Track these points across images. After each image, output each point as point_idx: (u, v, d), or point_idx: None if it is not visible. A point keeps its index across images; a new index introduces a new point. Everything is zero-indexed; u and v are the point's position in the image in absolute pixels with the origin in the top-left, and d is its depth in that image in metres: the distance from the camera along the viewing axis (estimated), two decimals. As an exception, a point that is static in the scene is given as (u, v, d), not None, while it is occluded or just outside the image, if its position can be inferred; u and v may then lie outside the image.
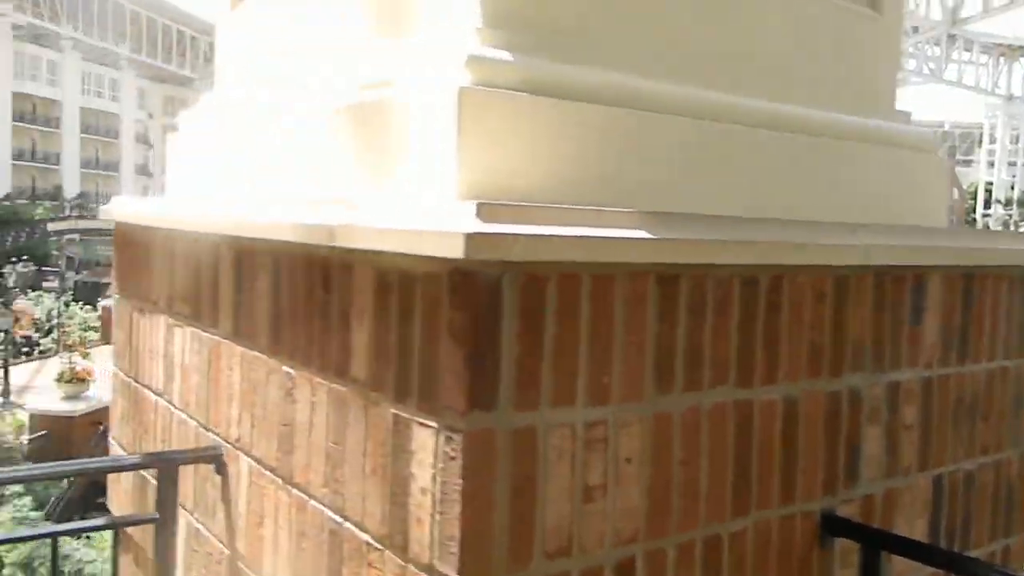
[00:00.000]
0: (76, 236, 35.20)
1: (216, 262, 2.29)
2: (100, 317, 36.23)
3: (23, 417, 18.56)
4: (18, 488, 11.14)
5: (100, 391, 20.45)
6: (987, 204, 69.41)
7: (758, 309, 1.63)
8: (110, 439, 3.47)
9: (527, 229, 1.27)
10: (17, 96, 64.34)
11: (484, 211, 1.25)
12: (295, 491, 1.80)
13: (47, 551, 8.51)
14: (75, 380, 18.69)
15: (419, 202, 1.54)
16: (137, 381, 3.16)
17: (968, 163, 78.86)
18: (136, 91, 76.09)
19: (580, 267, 1.37)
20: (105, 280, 54.40)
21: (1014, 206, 68.40)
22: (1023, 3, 50.67)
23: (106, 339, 34.20)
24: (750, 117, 1.93)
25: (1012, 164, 70.01)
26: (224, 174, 2.74)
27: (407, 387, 1.42)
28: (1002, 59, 67.93)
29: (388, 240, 1.41)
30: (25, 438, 18.02)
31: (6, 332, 23.02)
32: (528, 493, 1.34)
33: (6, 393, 23.07)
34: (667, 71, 1.83)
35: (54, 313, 35.10)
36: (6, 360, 23.20)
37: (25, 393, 24.21)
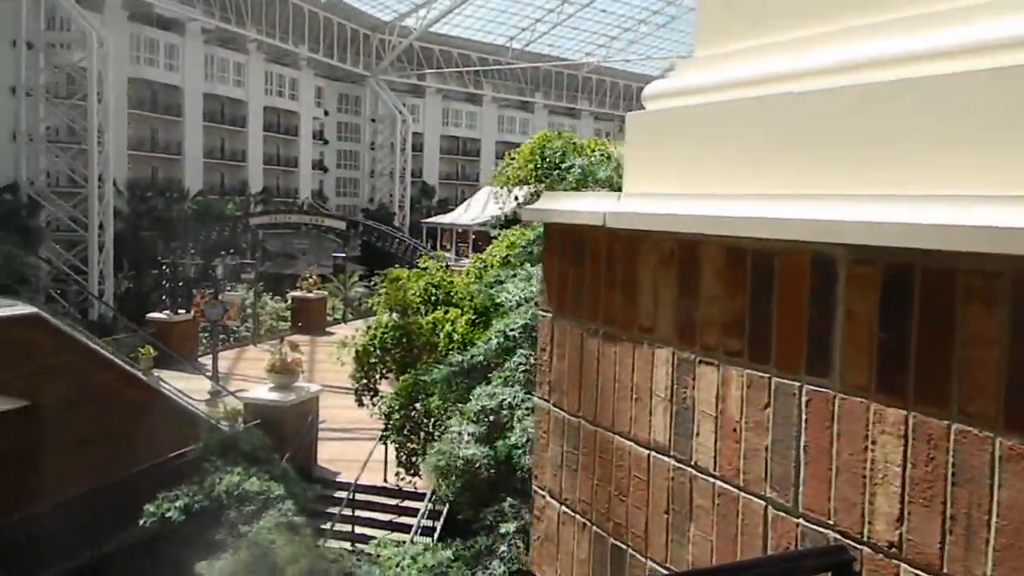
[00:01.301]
0: (274, 231, 36.70)
1: (824, 283, 1.65)
2: (290, 308, 37.73)
3: (238, 405, 19.12)
4: (280, 491, 11.23)
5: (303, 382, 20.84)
6: None
7: None
8: (533, 488, 2.90)
9: None
10: (208, 97, 68.21)
11: None
12: None
13: (327, 565, 8.49)
14: (285, 371, 19.10)
15: None
16: (595, 424, 2.57)
17: None
18: (313, 89, 79.18)
19: None
20: (287, 271, 56.91)
21: None
22: None
23: (296, 328, 35.62)
24: None
25: None
26: (770, 165, 2.08)
27: None
28: None
29: None
30: (240, 426, 18.56)
31: (215, 322, 23.99)
32: None
33: (215, 379, 24.10)
34: None
35: (247, 303, 36.70)
36: (215, 349, 24.18)
37: (228, 381, 25.27)
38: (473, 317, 13.50)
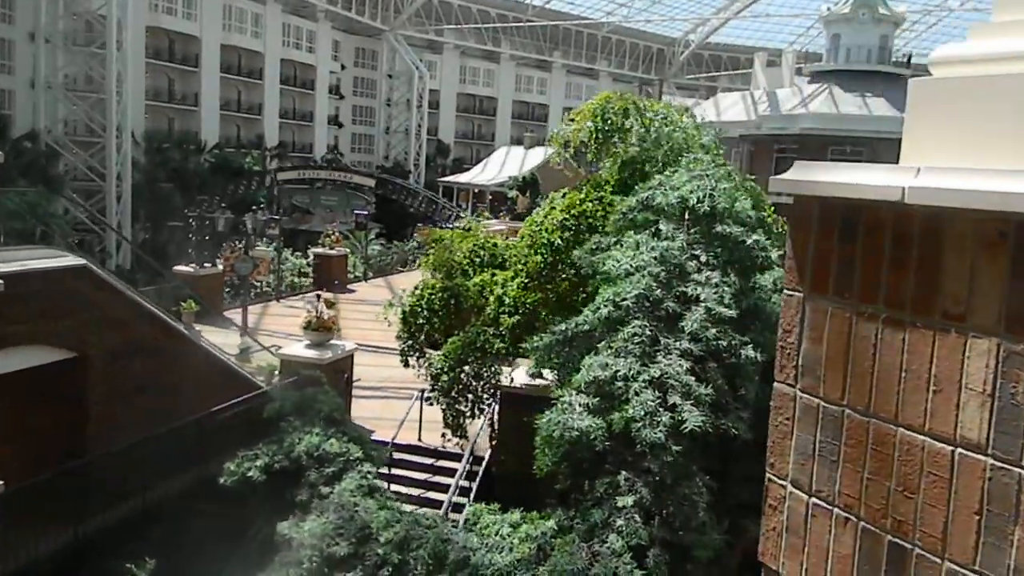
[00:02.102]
0: (301, 186, 36.39)
1: None
2: (312, 264, 37.57)
3: (274, 361, 19.04)
4: (359, 453, 11.16)
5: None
6: None
7: None
8: (768, 476, 2.73)
9: None
10: (225, 48, 67.48)
11: None
12: None
13: (423, 532, 8.41)
14: (321, 328, 18.98)
15: None
16: (869, 415, 2.40)
17: None
18: (330, 43, 78.28)
19: None
20: (302, 227, 56.67)
21: None
22: None
23: (318, 285, 35.52)
24: None
25: None
26: None
27: None
28: None
29: None
30: (277, 382, 18.52)
31: (244, 277, 23.86)
32: None
33: (244, 333, 24.06)
34: None
35: (270, 258, 36.55)
36: (245, 304, 24.10)
37: (256, 337, 25.16)
38: (525, 280, 13.33)
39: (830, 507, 2.54)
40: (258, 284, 33.45)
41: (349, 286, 36.84)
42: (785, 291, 2.66)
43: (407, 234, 59.86)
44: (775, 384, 2.69)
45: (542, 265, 13.09)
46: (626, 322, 6.76)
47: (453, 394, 13.87)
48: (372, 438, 18.98)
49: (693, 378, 6.29)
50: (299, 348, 19.31)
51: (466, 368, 13.72)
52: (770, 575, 2.74)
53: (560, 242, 12.68)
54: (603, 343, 6.92)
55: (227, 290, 30.39)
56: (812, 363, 2.58)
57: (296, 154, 71.05)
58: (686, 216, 7.27)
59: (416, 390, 18.18)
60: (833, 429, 2.51)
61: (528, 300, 13.28)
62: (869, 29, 62.75)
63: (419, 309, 14.65)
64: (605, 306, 6.94)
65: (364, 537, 7.51)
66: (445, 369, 13.72)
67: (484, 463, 16.07)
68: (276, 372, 19.33)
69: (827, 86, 62.41)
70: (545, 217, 13.09)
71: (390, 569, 7.22)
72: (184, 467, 14.50)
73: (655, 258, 6.87)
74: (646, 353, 6.53)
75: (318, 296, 19.32)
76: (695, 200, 7.09)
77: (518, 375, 13.89)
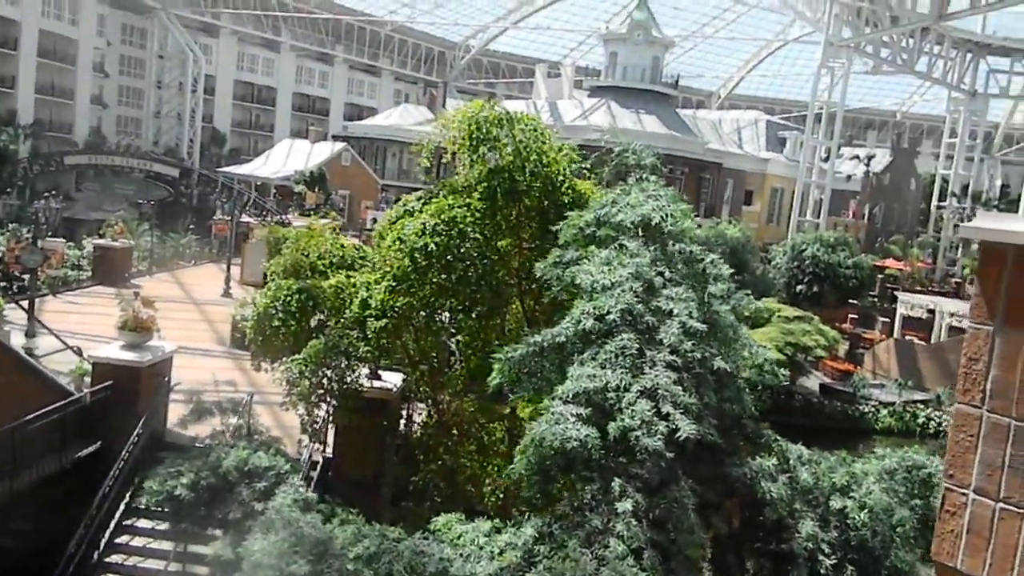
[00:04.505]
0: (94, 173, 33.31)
1: None
2: (92, 256, 34.55)
3: (85, 365, 17.51)
4: (288, 466, 10.40)
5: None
6: (942, 196, 71.46)
7: None
8: (947, 485, 3.11)
9: None
10: (-30, 12, 60.33)
11: None
12: None
13: (392, 545, 8.05)
14: (139, 328, 17.70)
15: None
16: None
17: (916, 154, 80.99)
18: (95, 16, 72.09)
19: None
20: (80, 216, 51.73)
21: (968, 199, 70.61)
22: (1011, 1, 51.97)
23: (100, 280, 32.78)
24: None
25: (969, 159, 72.06)
26: None
27: None
28: (969, 55, 69.73)
29: None
30: (87, 389, 17.06)
31: (32, 271, 21.64)
32: None
33: (31, 335, 21.92)
34: None
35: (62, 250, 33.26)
36: (32, 300, 21.87)
37: (38, 335, 22.82)
38: (393, 284, 13.24)
39: (1021, 511, 2.97)
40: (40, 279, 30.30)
41: (134, 281, 34.36)
42: (971, 324, 3.06)
43: (179, 227, 56.43)
44: (957, 405, 3.09)
45: (410, 269, 13.09)
46: (612, 335, 7.04)
47: (313, 399, 13.50)
48: (196, 444, 17.97)
49: (680, 388, 6.71)
50: (113, 350, 17.85)
51: (328, 372, 13.42)
52: (945, 570, 3.14)
53: (433, 246, 12.75)
54: (587, 355, 7.16)
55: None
56: (1002, 387, 3.00)
57: (54, 134, 64.80)
58: (640, 233, 7.69)
59: (238, 393, 17.43)
60: (1025, 444, 2.95)
61: (397, 303, 13.22)
62: (643, 50, 67.16)
63: (273, 311, 14.11)
64: (585, 319, 7.18)
65: (320, 554, 7.20)
66: (305, 373, 13.33)
67: (319, 468, 15.76)
68: (86, 377, 17.78)
69: (605, 100, 66.20)
70: (398, 222, 13.13)
71: None
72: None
73: (631, 274, 7.23)
74: (635, 365, 6.86)
75: (136, 294, 17.99)
76: (657, 219, 7.53)
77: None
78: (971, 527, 3.11)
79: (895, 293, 53.53)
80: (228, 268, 34.69)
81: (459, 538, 7.33)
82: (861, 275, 48.86)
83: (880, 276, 55.91)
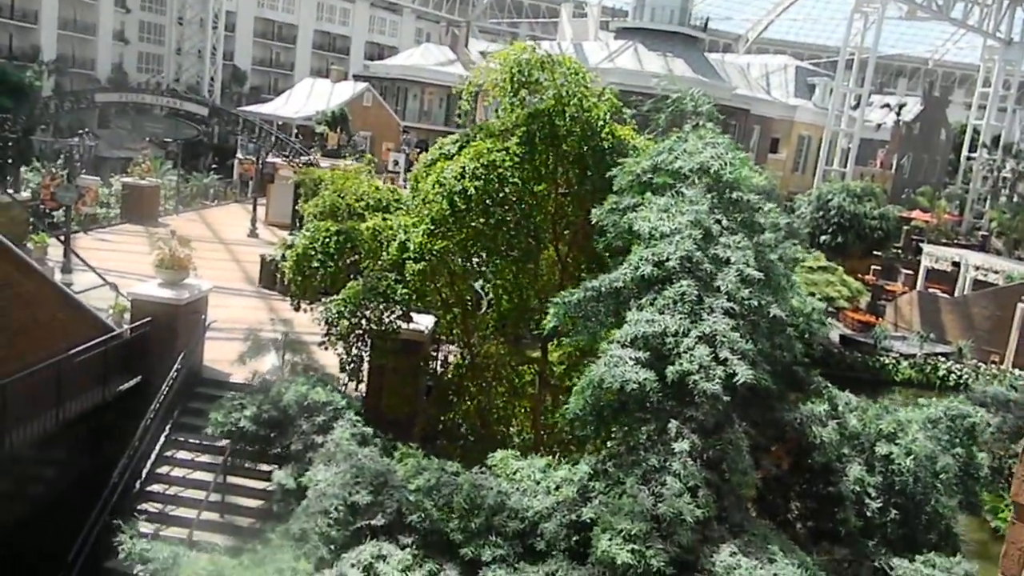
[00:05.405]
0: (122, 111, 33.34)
1: None
2: (120, 194, 34.75)
3: (124, 302, 17.79)
4: (343, 401, 10.65)
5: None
6: (972, 147, 70.36)
7: None
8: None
9: None
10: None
11: None
12: None
13: (451, 479, 8.28)
14: (176, 267, 17.95)
15: None
16: None
17: (947, 103, 79.49)
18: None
19: None
20: (104, 154, 51.87)
21: (999, 151, 69.50)
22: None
23: (129, 218, 33.03)
24: None
25: (1002, 110, 70.74)
26: None
27: None
28: (1006, 3, 68.02)
29: None
30: (127, 325, 17.37)
31: (68, 207, 21.85)
32: None
33: (67, 270, 22.25)
34: None
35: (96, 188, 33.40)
36: (68, 236, 22.13)
37: (72, 271, 23.13)
38: (431, 227, 13.31)
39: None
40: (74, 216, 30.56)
41: (161, 219, 34.60)
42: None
43: (199, 165, 56.47)
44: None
45: (449, 212, 13.16)
46: (670, 281, 7.14)
47: (352, 339, 13.71)
48: (232, 380, 18.32)
49: (737, 335, 6.83)
50: (152, 288, 18.11)
51: (367, 314, 13.60)
52: (1023, 511, 3.28)
53: (472, 190, 12.80)
54: (645, 300, 7.27)
55: (31, 220, 27.57)
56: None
57: (76, 70, 64.69)
58: (698, 181, 7.72)
59: (269, 332, 17.71)
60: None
61: (435, 247, 13.32)
62: (672, -11, 65.76)
63: (313, 252, 14.25)
64: (644, 265, 7.27)
65: (380, 485, 7.44)
66: (344, 314, 13.52)
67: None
68: (125, 313, 18.08)
69: (632, 43, 65.07)
70: (435, 165, 13.17)
71: (421, 515, 7.24)
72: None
73: (691, 221, 7.29)
74: (693, 311, 6.97)
75: (172, 233, 18.15)
76: (716, 167, 7.57)
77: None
78: (1056, 473, 3.23)
79: (920, 245, 53.12)
80: (254, 209, 34.85)
81: (515, 473, 7.56)
82: (887, 226, 48.50)
83: (906, 228, 55.42)
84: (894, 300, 46.75)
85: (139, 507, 14.57)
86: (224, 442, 13.61)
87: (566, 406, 7.58)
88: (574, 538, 7.20)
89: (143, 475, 15.09)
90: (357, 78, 72.75)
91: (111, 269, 23.69)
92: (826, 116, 63.32)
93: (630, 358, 6.92)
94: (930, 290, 46.93)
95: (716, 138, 8.42)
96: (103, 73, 68.13)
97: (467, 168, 13.03)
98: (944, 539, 8.56)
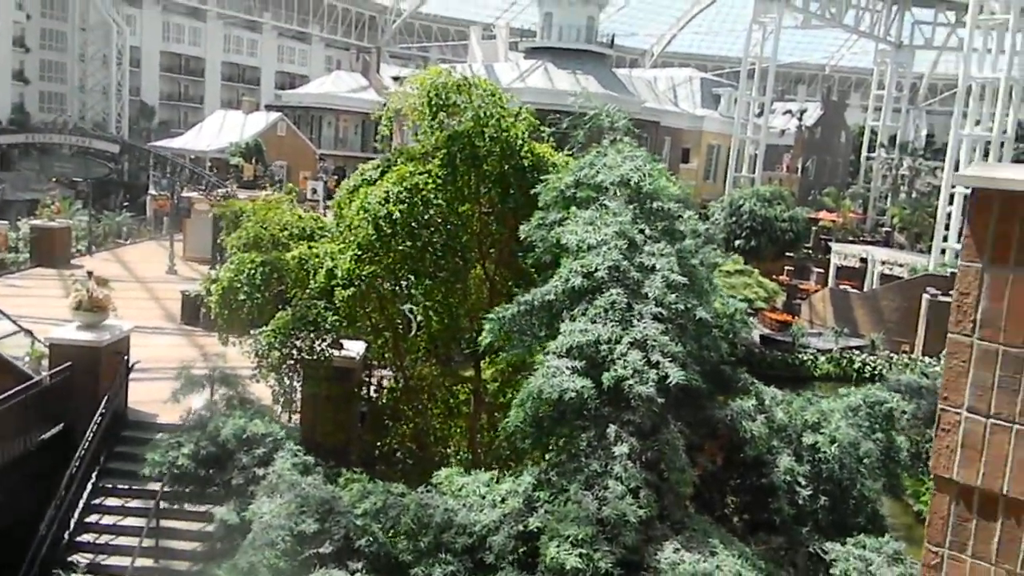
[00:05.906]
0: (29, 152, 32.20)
1: None
2: (29, 236, 33.60)
3: (41, 347, 17.27)
4: (283, 432, 10.46)
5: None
6: (871, 147, 73.38)
7: None
8: (941, 407, 3.50)
9: None
10: None
11: None
12: None
13: (397, 500, 8.25)
14: (95, 308, 17.52)
15: None
16: (1049, 352, 3.23)
17: (845, 107, 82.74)
18: (11, -13, 69.31)
19: None
20: (18, 196, 50.03)
21: (896, 150, 72.63)
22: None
23: (40, 261, 31.99)
24: None
25: (897, 111, 74.07)
26: None
27: None
28: (894, 7, 71.41)
29: None
30: (46, 372, 16.86)
31: (-26, 254, 21.05)
32: None
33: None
34: None
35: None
36: (-25, 285, 21.29)
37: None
38: (359, 253, 13.36)
39: (1010, 424, 3.39)
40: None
41: (74, 261, 33.62)
42: (962, 263, 3.44)
43: (111, 203, 55.02)
44: (950, 335, 3.47)
45: (375, 237, 13.23)
46: (600, 291, 7.37)
47: (284, 370, 13.63)
48: (159, 422, 17.92)
49: (667, 338, 7.09)
50: (70, 331, 17.63)
51: (297, 344, 13.54)
52: (942, 483, 3.55)
53: (398, 214, 12.90)
54: (577, 311, 7.47)
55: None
56: (990, 317, 3.40)
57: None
58: (619, 193, 8.00)
59: (198, 369, 17.42)
60: (1014, 367, 3.36)
61: (363, 272, 13.36)
62: (578, 9, 67.04)
63: (239, 285, 14.13)
64: (574, 277, 7.48)
65: (326, 512, 7.43)
66: (275, 345, 13.43)
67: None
68: (43, 360, 17.54)
69: (542, 62, 66.10)
70: (357, 191, 13.24)
71: (369, 539, 7.26)
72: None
73: (616, 232, 7.55)
74: (624, 318, 7.20)
75: (89, 274, 17.71)
76: (636, 179, 7.85)
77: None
78: (965, 442, 3.52)
79: (829, 244, 55.14)
80: (171, 244, 34.19)
81: (460, 490, 7.67)
82: (797, 227, 50.21)
83: (814, 228, 57.44)
84: (808, 298, 48.39)
85: (69, 559, 14.14)
86: (155, 485, 13.35)
87: (506, 420, 7.74)
88: (522, 549, 7.36)
89: (71, 525, 14.66)
90: (270, 108, 71.97)
91: (24, 315, 22.92)
92: (732, 125, 65.26)
93: (567, 368, 7.15)
94: (841, 287, 48.72)
95: (634, 151, 8.77)
96: (3, 114, 65.88)
97: (391, 192, 13.13)
98: (871, 521, 9.02)
